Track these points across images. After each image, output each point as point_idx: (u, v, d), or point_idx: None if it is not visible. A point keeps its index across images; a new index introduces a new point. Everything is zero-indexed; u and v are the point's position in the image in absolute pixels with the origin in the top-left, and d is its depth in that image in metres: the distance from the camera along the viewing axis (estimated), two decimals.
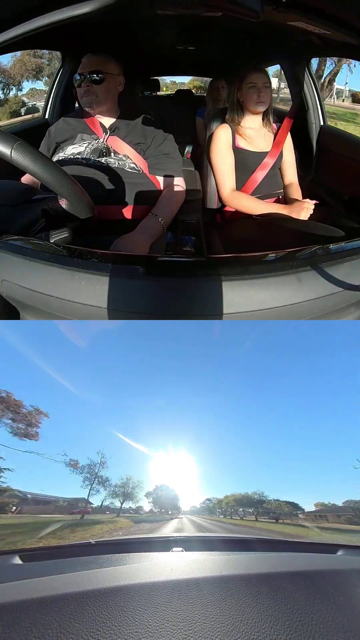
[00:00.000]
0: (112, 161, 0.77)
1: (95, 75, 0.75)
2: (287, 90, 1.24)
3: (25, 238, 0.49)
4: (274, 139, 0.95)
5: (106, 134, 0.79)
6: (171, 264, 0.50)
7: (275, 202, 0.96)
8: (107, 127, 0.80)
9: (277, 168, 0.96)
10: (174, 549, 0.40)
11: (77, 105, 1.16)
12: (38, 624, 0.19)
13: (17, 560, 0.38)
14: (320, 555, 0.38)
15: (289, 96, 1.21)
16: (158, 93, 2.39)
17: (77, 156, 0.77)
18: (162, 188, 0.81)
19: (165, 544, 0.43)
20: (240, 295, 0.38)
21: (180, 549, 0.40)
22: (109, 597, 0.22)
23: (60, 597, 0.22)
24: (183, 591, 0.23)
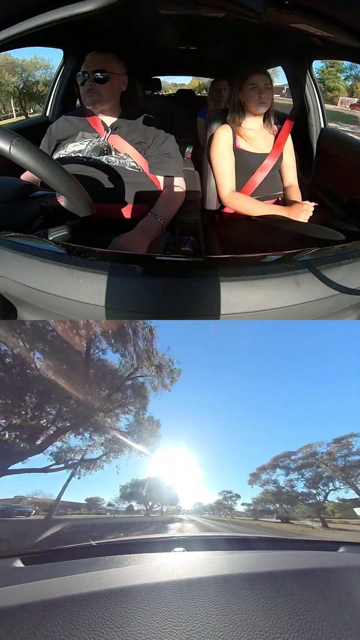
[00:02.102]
0: (112, 160, 0.77)
1: (99, 74, 0.74)
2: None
3: (24, 235, 0.48)
4: (275, 141, 0.95)
5: (107, 132, 0.79)
6: (169, 264, 0.49)
7: (274, 203, 0.97)
8: (108, 125, 0.79)
9: (277, 170, 0.96)
10: (176, 549, 0.39)
11: (78, 103, 1.15)
12: (40, 627, 0.19)
13: (19, 564, 0.37)
14: (322, 552, 0.38)
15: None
16: (159, 93, 2.39)
17: (78, 154, 0.77)
18: (162, 188, 0.81)
19: (166, 544, 0.43)
20: (237, 296, 0.38)
21: (182, 549, 0.39)
22: (111, 599, 0.22)
23: (62, 599, 0.21)
24: (185, 591, 0.23)
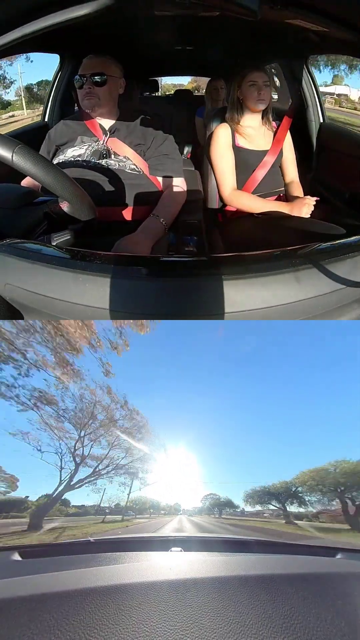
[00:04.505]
0: (112, 163, 0.78)
1: (97, 77, 0.75)
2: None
3: (28, 241, 0.49)
4: (274, 137, 0.94)
5: (106, 135, 0.79)
6: (173, 264, 0.50)
7: (276, 200, 0.96)
8: (106, 128, 0.80)
9: (277, 166, 0.95)
10: (173, 548, 0.40)
11: (76, 107, 1.17)
12: (36, 621, 0.19)
13: (17, 557, 0.38)
14: (319, 558, 0.38)
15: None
16: (158, 94, 2.40)
17: (78, 158, 0.78)
18: (162, 189, 0.81)
19: (164, 544, 0.43)
20: (242, 294, 0.38)
21: (179, 549, 0.40)
22: (107, 595, 0.22)
23: (58, 594, 0.22)
24: (181, 591, 0.23)
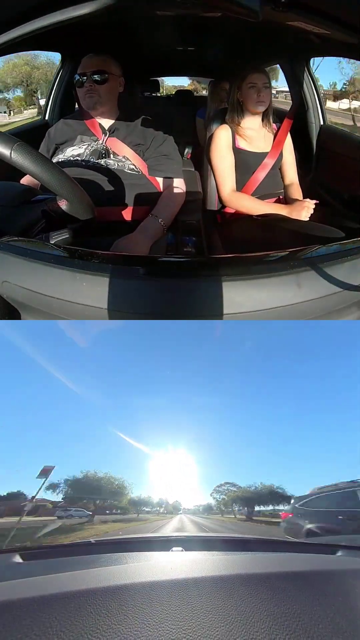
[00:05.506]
0: (111, 162, 0.78)
1: (97, 76, 0.75)
2: None
3: (26, 239, 0.49)
4: (274, 139, 0.95)
5: (105, 135, 0.79)
6: (171, 265, 0.50)
7: (275, 202, 0.96)
8: (106, 128, 0.80)
9: (277, 168, 0.96)
10: (174, 548, 0.40)
11: (77, 106, 1.16)
12: (38, 623, 0.19)
13: (18, 559, 0.38)
14: (320, 555, 0.38)
15: None
16: (159, 94, 2.40)
17: (77, 158, 0.78)
18: (162, 189, 0.81)
19: (165, 544, 0.43)
20: (240, 295, 0.38)
21: (180, 548, 0.40)
22: (109, 596, 0.22)
23: (60, 595, 0.22)
24: (183, 591, 0.23)
